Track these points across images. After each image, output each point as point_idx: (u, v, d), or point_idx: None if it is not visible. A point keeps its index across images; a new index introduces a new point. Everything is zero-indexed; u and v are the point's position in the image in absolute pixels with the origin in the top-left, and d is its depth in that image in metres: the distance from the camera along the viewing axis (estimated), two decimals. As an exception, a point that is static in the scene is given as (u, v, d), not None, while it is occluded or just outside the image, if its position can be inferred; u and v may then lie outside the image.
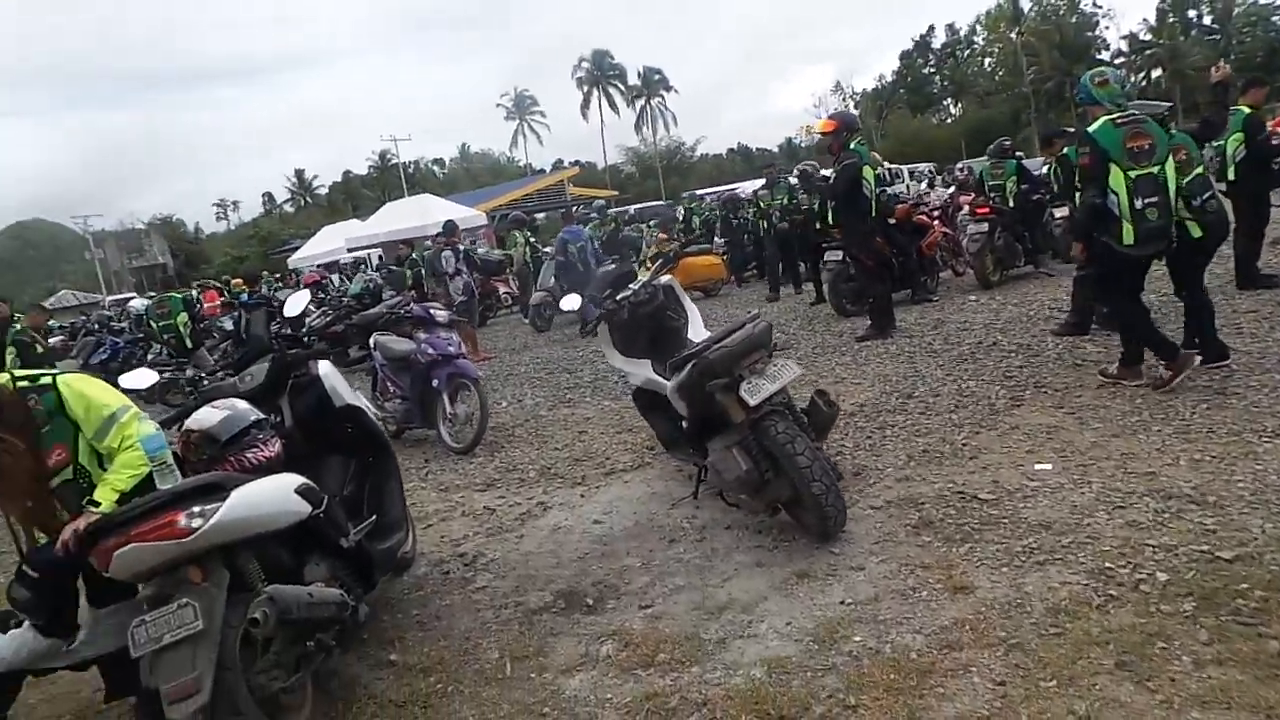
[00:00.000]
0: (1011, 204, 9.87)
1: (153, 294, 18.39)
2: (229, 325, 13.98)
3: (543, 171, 60.42)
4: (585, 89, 68.36)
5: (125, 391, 3.32)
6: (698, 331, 4.62)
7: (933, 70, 67.93)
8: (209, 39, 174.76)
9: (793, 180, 11.87)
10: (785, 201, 11.59)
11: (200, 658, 2.58)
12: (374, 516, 3.69)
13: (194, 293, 16.20)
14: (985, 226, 9.68)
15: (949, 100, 68.46)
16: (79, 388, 2.95)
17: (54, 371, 3.02)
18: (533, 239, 14.63)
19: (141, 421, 2.95)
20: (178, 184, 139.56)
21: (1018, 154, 11.03)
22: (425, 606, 3.88)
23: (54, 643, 2.87)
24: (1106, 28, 62.64)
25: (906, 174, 28.40)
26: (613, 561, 4.00)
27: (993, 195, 10.06)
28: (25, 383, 2.90)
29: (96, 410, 2.91)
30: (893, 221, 9.30)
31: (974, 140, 48.14)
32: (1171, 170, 4.85)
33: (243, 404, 3.42)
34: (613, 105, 68.70)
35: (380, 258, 23.70)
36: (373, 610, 3.51)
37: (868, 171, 7.71)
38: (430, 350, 6.47)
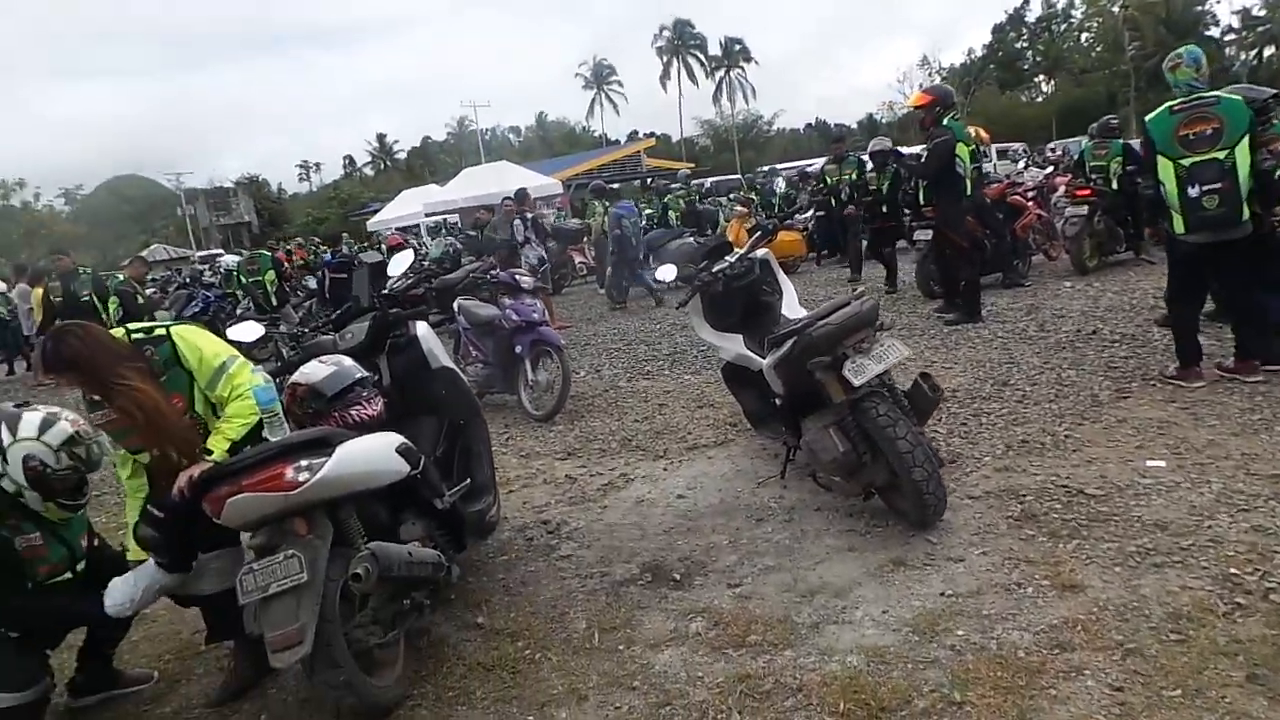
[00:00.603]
0: (1115, 186, 9.40)
1: (240, 250, 18.98)
2: (313, 284, 14.35)
3: (618, 142, 60.27)
4: (665, 59, 67.77)
5: (232, 344, 3.38)
6: (793, 308, 4.50)
7: (1025, 45, 65.09)
8: (302, 2, 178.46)
9: (864, 158, 11.32)
10: (854, 177, 10.95)
11: (304, 609, 2.62)
12: (468, 480, 3.71)
13: (290, 248, 16.61)
14: (1084, 209, 9.24)
15: (1041, 77, 65.66)
16: (191, 339, 3.01)
17: (167, 323, 3.08)
18: (611, 208, 14.54)
19: (252, 372, 3.00)
20: (264, 145, 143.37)
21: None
22: (510, 571, 3.90)
23: (177, 577, 2.96)
24: (1217, 1, 59.20)
25: (994, 153, 27.38)
26: (698, 538, 3.96)
27: (1094, 177, 9.57)
28: (140, 334, 2.97)
29: (208, 361, 2.97)
30: (988, 202, 8.95)
31: (1067, 119, 46.22)
32: (1244, 156, 4.60)
33: (348, 361, 3.46)
34: (691, 76, 67.97)
35: (458, 223, 23.98)
36: (461, 572, 3.54)
37: (962, 149, 7.39)
38: (515, 316, 6.48)
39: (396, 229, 24.42)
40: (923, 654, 2.76)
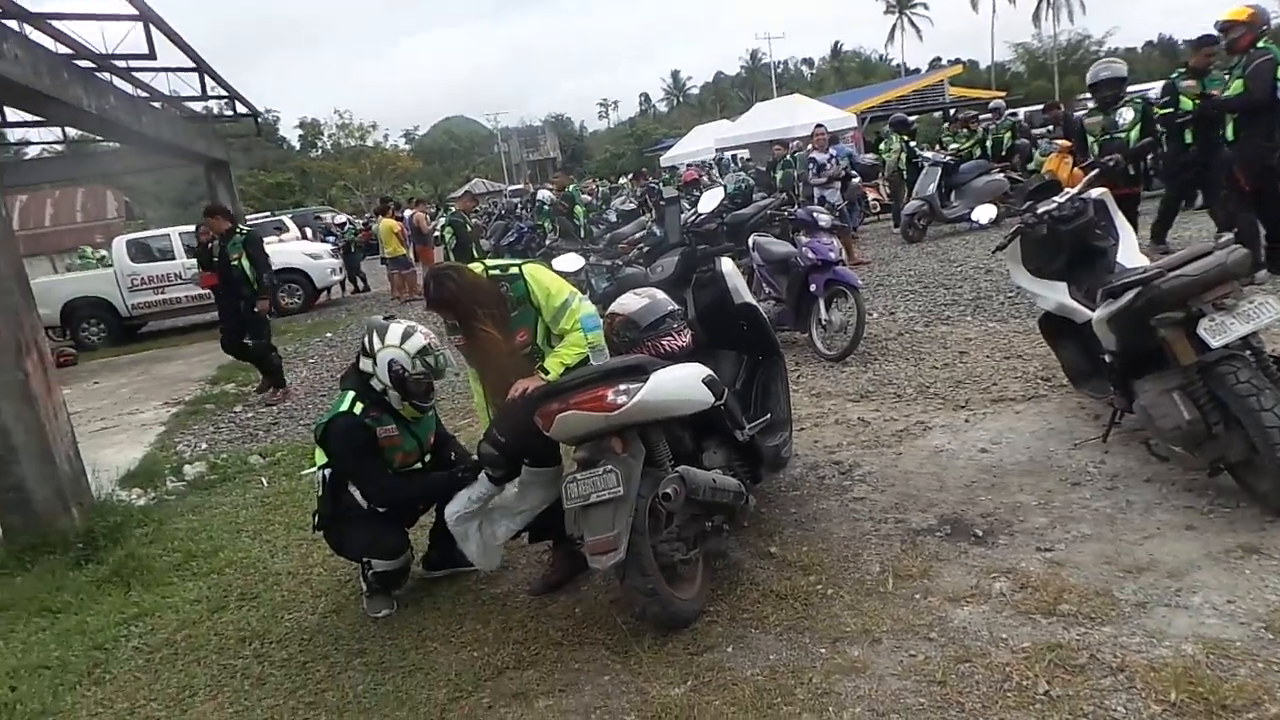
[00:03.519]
0: None
1: (547, 185, 20.50)
2: (613, 217, 15.15)
3: (918, 71, 56.45)
4: (979, -27, 61.88)
5: (556, 274, 3.70)
6: (1130, 256, 4.03)
7: None
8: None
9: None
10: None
11: (619, 519, 2.86)
12: (768, 415, 3.80)
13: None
14: None
15: None
16: (540, 277, 3.33)
17: (519, 262, 3.42)
18: (911, 143, 13.75)
19: (583, 303, 3.27)
20: (568, 85, 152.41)
21: None
22: (802, 507, 3.96)
23: (503, 490, 3.38)
24: None
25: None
26: (1003, 495, 3.75)
27: None
28: (497, 271, 3.33)
29: (554, 298, 3.28)
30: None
31: None
32: None
33: (661, 294, 3.66)
34: (1009, -8, 61.47)
35: (749, 157, 23.99)
36: (755, 502, 3.65)
37: None
38: (811, 254, 6.42)
39: (689, 164, 24.94)
40: (1277, 654, 2.44)
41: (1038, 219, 4.11)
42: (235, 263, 7.97)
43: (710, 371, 3.28)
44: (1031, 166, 12.71)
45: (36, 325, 4.96)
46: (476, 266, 3.37)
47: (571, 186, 14.77)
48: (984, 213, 4.57)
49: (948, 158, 12.48)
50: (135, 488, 5.89)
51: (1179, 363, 3.19)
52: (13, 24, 6.03)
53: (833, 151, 11.22)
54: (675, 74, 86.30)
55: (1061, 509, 3.53)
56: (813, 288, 6.44)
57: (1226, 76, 6.67)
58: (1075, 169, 9.66)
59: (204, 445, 7.07)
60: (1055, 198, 4.15)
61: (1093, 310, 3.72)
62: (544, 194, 16.02)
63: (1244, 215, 6.65)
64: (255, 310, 8.10)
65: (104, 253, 16.96)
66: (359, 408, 3.54)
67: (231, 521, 5.07)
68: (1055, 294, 4.13)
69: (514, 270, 3.32)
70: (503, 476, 3.36)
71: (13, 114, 9.50)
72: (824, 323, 6.49)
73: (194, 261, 11.96)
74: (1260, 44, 6.32)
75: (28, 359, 4.70)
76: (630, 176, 27.66)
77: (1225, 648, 2.50)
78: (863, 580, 3.22)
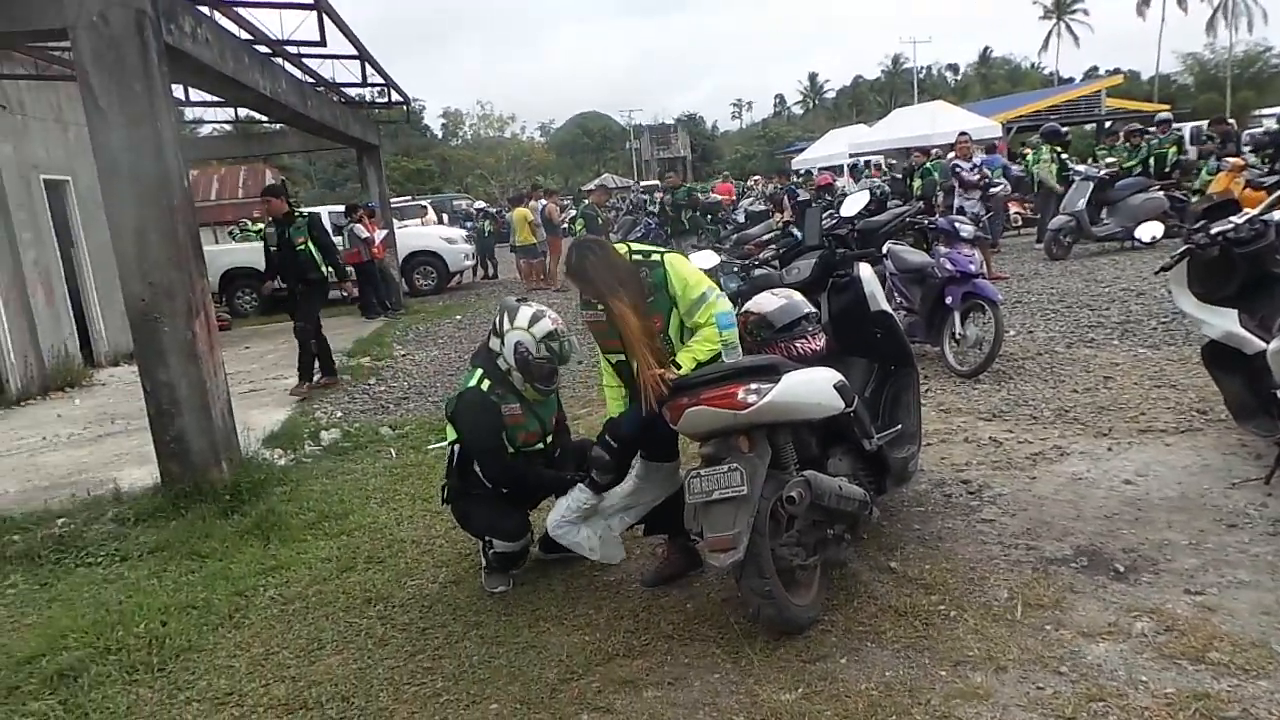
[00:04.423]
0: None
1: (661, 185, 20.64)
2: (741, 218, 15.07)
3: (1072, 80, 53.59)
4: (1150, -23, 57.96)
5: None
6: (1314, 285, 3.71)
7: None
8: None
9: None
10: None
11: (740, 518, 2.84)
12: (899, 426, 3.70)
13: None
14: None
15: None
16: (681, 269, 3.31)
17: (663, 249, 3.42)
18: (1063, 155, 13.05)
19: (720, 299, 3.25)
20: (704, 84, 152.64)
21: None
22: (926, 524, 3.83)
23: (598, 499, 3.45)
24: None
25: None
26: (1148, 531, 3.52)
27: None
28: (640, 256, 3.34)
29: (692, 289, 3.25)
30: None
31: None
32: None
33: (798, 295, 3.61)
34: (1180, 0, 57.44)
35: (881, 164, 23.39)
36: (879, 514, 3.56)
37: None
38: (949, 266, 6.21)
39: (822, 168, 24.54)
40: None
41: (1211, 239, 3.83)
42: (301, 247, 7.86)
43: (842, 377, 3.22)
44: (1197, 185, 11.85)
45: (206, 289, 5.34)
46: (621, 247, 3.39)
47: (685, 187, 14.62)
48: (1147, 230, 4.34)
49: (1103, 172, 11.78)
50: (277, 448, 6.27)
51: (1369, 405, 2.91)
52: (204, 9, 6.51)
53: (981, 159, 10.77)
54: (813, 77, 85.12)
55: (1215, 551, 3.28)
56: (948, 300, 6.22)
57: None
58: (1248, 189, 8.99)
59: (339, 414, 7.46)
60: (1232, 218, 3.85)
61: (1266, 341, 3.45)
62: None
63: None
64: (318, 294, 8.06)
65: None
66: (486, 384, 3.66)
67: (361, 488, 5.32)
68: (1224, 321, 3.85)
69: (656, 257, 3.32)
70: (608, 483, 3.39)
71: (194, 94, 10.28)
72: (958, 337, 6.26)
73: (341, 239, 12.61)
74: None
75: (196, 320, 5.07)
76: (755, 179, 27.38)
77: (1405, 720, 2.27)
78: (989, 605, 3.09)
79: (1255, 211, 3.82)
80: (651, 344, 3.16)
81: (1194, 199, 10.99)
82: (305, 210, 8.10)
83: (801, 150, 37.21)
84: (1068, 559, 3.36)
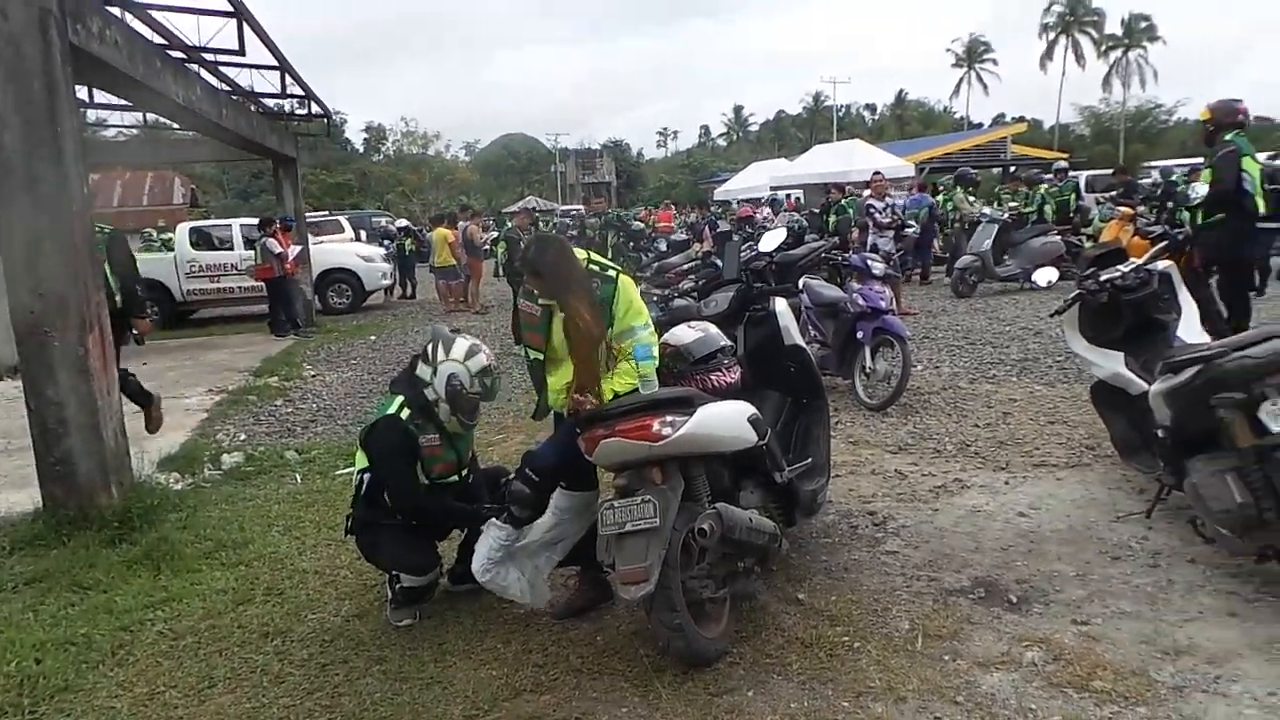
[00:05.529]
0: None
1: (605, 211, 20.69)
2: (663, 246, 15.23)
3: (980, 125, 56.24)
4: (1052, 35, 61.48)
5: None
6: (1191, 331, 3.97)
7: None
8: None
9: None
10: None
11: (652, 551, 2.85)
12: (809, 459, 3.77)
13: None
14: None
15: None
16: (630, 292, 3.29)
17: (619, 268, 3.39)
18: (971, 198, 13.67)
19: (650, 334, 3.25)
20: (631, 112, 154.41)
21: None
22: (833, 555, 3.91)
23: (516, 533, 3.36)
24: None
25: None
26: (1040, 562, 3.68)
27: None
28: (596, 267, 3.29)
29: (632, 316, 3.24)
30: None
31: None
32: None
33: (714, 329, 3.67)
34: (1079, 56, 60.95)
35: (799, 198, 24.00)
36: (789, 546, 3.61)
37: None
38: (861, 301, 6.39)
39: (742, 200, 25.03)
40: (1322, 758, 2.35)
41: (1100, 286, 4.06)
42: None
43: (755, 410, 3.27)
44: (1089, 231, 12.55)
45: (102, 302, 5.08)
46: (580, 253, 3.33)
47: (614, 212, 14.76)
48: (1044, 275, 4.54)
49: (1006, 215, 12.37)
50: (173, 472, 5.99)
51: (1235, 444, 3.12)
52: (116, 11, 6.26)
53: (913, 198, 11.15)
54: (738, 109, 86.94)
55: (1100, 582, 3.45)
56: (860, 334, 6.41)
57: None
58: (1135, 237, 9.55)
59: (243, 436, 7.19)
60: (1119, 266, 4.10)
61: (1149, 383, 3.66)
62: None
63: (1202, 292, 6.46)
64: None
65: (169, 235, 17.43)
66: (406, 413, 3.58)
67: (263, 515, 5.13)
68: (1111, 363, 4.07)
69: (611, 273, 3.29)
70: (528, 518, 3.35)
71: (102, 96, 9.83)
72: (868, 370, 6.44)
73: (250, 253, 12.12)
74: (1227, 137, 6.21)
75: (90, 335, 4.82)
76: (677, 206, 27.76)
77: (1267, 746, 2.41)
78: (891, 636, 3.16)
79: (1140, 261, 4.07)
80: (594, 355, 3.14)
81: (1088, 244, 11.63)
82: (105, 227, 5.78)
83: (724, 181, 37.86)
84: (966, 590, 3.48)
